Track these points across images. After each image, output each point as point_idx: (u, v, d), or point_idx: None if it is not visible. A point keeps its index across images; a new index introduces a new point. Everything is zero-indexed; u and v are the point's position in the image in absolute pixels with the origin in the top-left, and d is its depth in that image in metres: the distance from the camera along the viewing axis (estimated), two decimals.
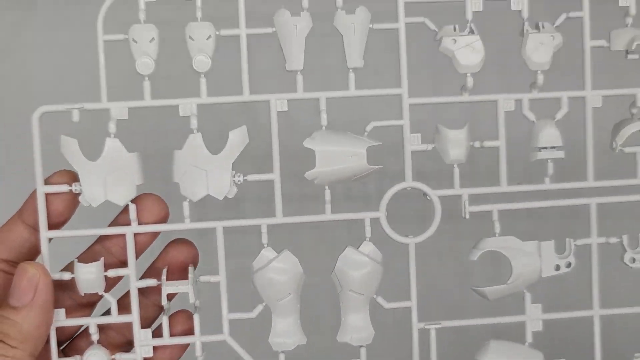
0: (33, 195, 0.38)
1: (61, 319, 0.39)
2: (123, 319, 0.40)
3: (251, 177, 0.40)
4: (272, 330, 0.41)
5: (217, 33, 0.39)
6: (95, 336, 0.40)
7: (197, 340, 0.40)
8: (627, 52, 0.41)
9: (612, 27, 0.41)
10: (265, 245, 0.41)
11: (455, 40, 0.40)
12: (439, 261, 0.49)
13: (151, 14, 0.39)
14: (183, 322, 0.41)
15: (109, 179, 0.38)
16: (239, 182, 0.40)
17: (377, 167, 0.40)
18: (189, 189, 0.39)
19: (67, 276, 0.39)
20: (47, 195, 0.38)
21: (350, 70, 0.40)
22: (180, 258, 0.41)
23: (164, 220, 0.40)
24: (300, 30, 0.39)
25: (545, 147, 0.41)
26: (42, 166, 0.38)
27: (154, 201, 0.40)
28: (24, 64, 0.63)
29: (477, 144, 0.41)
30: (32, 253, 0.39)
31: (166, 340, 0.40)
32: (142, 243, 0.40)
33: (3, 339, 0.36)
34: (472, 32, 0.40)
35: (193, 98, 0.40)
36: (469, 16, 0.40)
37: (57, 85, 0.60)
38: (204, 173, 0.39)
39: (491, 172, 0.42)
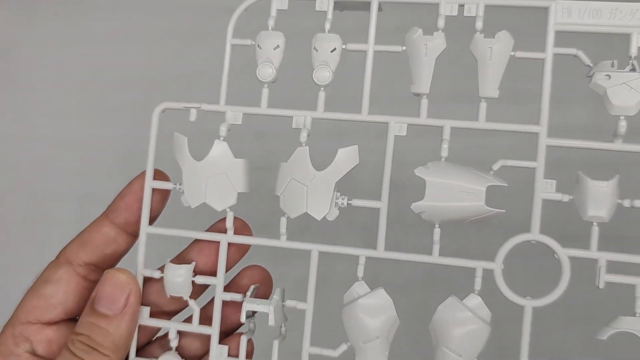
0: (122, 195, 0.38)
1: (145, 317, 0.38)
2: (203, 329, 0.38)
3: (356, 202, 0.37)
4: None
5: (344, 47, 0.37)
6: (174, 342, 0.38)
7: None
8: None
9: None
10: (360, 279, 0.37)
11: (609, 77, 0.34)
12: (562, 327, 0.41)
13: (283, 23, 0.38)
14: (237, 347, 0.38)
15: (210, 181, 0.37)
16: (342, 206, 0.37)
17: (498, 210, 0.35)
18: (288, 204, 0.37)
19: (157, 274, 0.38)
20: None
21: (482, 99, 0.36)
22: (254, 281, 0.38)
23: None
24: (430, 50, 0.36)
25: None
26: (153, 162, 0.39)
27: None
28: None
29: (626, 203, 0.35)
30: (115, 257, 0.39)
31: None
32: (230, 259, 0.38)
33: (97, 348, 0.36)
34: (634, 69, 0.34)
35: (308, 111, 0.38)
36: (633, 51, 0.34)
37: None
38: (304, 188, 0.36)
39: None
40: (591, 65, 0.35)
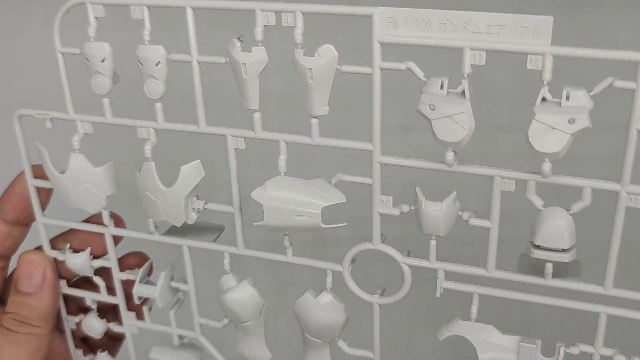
0: (6, 196, 0.41)
1: (65, 288, 0.44)
2: (111, 299, 0.43)
3: (211, 206, 0.38)
4: (238, 341, 0.41)
5: (168, 57, 0.34)
6: (94, 305, 0.44)
7: (174, 332, 0.43)
8: None
9: None
10: (228, 272, 0.39)
11: (434, 107, 0.30)
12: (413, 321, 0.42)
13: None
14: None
15: (76, 191, 0.39)
16: (200, 209, 0.38)
17: (335, 226, 0.35)
18: (149, 211, 0.38)
19: (61, 257, 0.42)
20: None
21: (312, 117, 0.33)
22: (134, 265, 0.42)
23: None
24: (250, 68, 0.33)
25: (546, 249, 0.32)
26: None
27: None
28: None
29: (465, 216, 0.33)
30: (15, 245, 0.42)
31: (148, 325, 0.43)
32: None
33: (26, 321, 0.41)
34: (463, 94, 0.30)
35: (150, 122, 0.37)
36: (466, 70, 0.30)
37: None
38: (158, 202, 0.37)
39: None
40: (425, 80, 0.31)
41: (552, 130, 0.29)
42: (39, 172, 0.40)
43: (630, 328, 0.36)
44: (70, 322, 0.45)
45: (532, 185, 0.32)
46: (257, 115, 0.35)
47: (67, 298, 0.45)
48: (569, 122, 0.29)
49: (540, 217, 0.32)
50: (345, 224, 0.35)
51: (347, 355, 0.39)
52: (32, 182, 0.40)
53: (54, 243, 0.43)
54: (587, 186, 0.31)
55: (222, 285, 0.40)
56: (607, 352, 0.34)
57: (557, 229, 0.31)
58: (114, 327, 0.44)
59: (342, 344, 0.39)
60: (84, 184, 0.38)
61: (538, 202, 0.32)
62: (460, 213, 0.34)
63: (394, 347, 0.41)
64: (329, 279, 0.37)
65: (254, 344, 0.41)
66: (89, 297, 0.44)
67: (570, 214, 0.31)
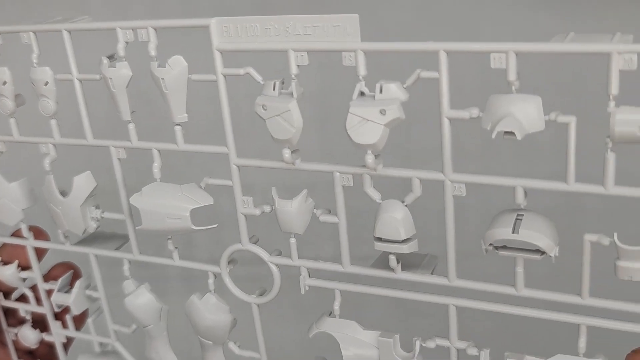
0: None
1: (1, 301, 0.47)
2: (39, 309, 0.46)
3: (107, 215, 0.41)
4: (146, 346, 0.43)
5: (55, 77, 0.38)
6: (28, 316, 0.47)
7: (94, 339, 0.45)
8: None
9: None
10: (128, 277, 0.42)
11: (266, 108, 0.32)
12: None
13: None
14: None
15: None
16: (99, 218, 0.41)
17: (205, 228, 0.37)
18: (56, 221, 0.41)
19: None
20: None
21: (175, 125, 0.36)
22: (60, 275, 0.45)
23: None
24: (116, 82, 0.36)
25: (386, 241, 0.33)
26: None
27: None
28: None
29: (318, 212, 0.35)
30: None
31: (72, 333, 0.46)
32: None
33: None
34: (292, 94, 0.32)
35: (49, 138, 0.40)
36: (293, 70, 0.32)
37: None
38: (59, 212, 0.40)
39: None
40: (262, 82, 0.33)
41: (366, 122, 0.31)
42: None
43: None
44: (10, 333, 0.48)
45: (367, 179, 0.33)
46: (131, 126, 0.38)
47: (7, 311, 0.48)
48: (380, 113, 0.30)
49: (378, 210, 0.33)
50: (216, 225, 0.37)
51: (238, 357, 0.41)
52: None
53: None
54: (415, 177, 0.32)
55: (123, 290, 0.42)
56: (462, 345, 0.34)
57: (392, 220, 0.32)
58: (46, 337, 0.47)
59: (232, 345, 0.40)
60: (1, 199, 0.42)
61: (375, 196, 0.33)
62: (315, 210, 0.35)
63: (284, 346, 0.42)
64: (210, 281, 0.39)
65: (159, 348, 0.43)
66: (22, 308, 0.47)
67: (405, 206, 0.32)
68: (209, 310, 0.39)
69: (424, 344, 0.35)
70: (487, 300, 0.33)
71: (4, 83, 0.39)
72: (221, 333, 0.40)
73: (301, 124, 0.32)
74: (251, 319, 0.39)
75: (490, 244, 0.31)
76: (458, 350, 0.35)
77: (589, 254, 0.30)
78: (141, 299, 0.41)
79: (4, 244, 0.46)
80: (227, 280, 0.39)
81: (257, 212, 0.36)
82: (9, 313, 0.48)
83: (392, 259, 0.34)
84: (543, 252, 0.30)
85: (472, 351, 0.34)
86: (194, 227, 0.37)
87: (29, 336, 0.47)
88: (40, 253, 0.45)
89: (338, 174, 0.33)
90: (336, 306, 0.36)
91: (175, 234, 0.38)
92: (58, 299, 0.44)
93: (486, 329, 0.41)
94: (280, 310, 0.41)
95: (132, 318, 0.42)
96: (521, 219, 0.30)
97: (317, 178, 0.35)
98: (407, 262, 0.35)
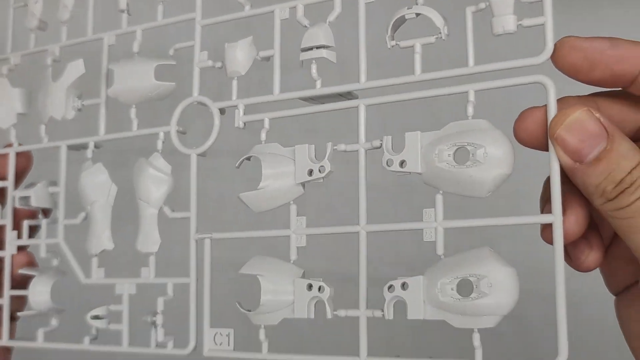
0: None
1: None
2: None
3: (87, 102, 0.47)
4: (89, 232, 0.46)
5: None
6: None
7: (42, 242, 0.47)
8: None
9: None
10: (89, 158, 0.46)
11: None
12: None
13: None
14: None
15: None
16: (79, 108, 0.47)
17: (166, 84, 0.43)
18: (42, 111, 0.48)
19: None
20: None
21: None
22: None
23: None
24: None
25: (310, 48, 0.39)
26: None
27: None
28: None
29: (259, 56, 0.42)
30: None
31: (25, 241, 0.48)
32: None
33: None
34: None
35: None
36: None
37: None
38: (48, 98, 0.47)
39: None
40: None
41: None
42: None
43: None
44: None
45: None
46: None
47: None
48: None
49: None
50: (173, 83, 0.43)
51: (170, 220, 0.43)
52: None
53: None
54: None
55: (81, 170, 0.46)
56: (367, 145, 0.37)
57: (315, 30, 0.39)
58: None
59: (166, 209, 0.43)
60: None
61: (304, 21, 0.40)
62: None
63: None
64: (159, 142, 0.44)
65: (99, 230, 0.45)
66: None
67: None
68: (152, 171, 0.43)
69: (335, 147, 0.38)
70: None
71: None
72: (159, 195, 0.43)
73: None
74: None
75: None
76: None
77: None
78: (97, 176, 0.45)
79: None
80: (175, 138, 0.43)
81: (211, 64, 0.43)
82: None
83: None
84: None
85: None
86: (157, 82, 0.43)
87: None
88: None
89: None
90: (263, 135, 0.40)
91: (144, 96, 0.44)
92: (20, 193, 0.48)
93: None
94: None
95: (82, 198, 0.45)
96: None
97: None
98: None
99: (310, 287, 0.37)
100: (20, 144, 0.49)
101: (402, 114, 0.52)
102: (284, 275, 0.38)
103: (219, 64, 0.43)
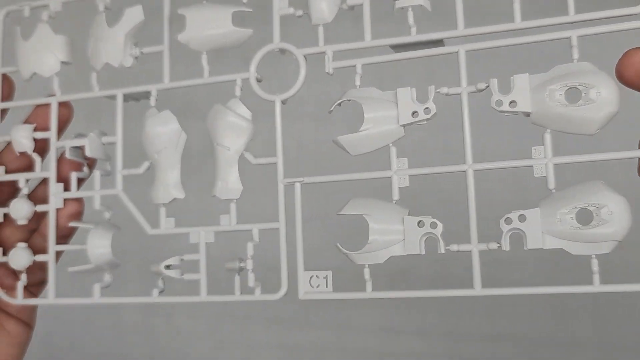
0: None
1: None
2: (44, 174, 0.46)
3: (146, 50, 0.46)
4: (152, 188, 0.44)
5: None
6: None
7: (96, 194, 0.45)
8: None
9: None
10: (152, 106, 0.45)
11: None
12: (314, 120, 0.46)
13: None
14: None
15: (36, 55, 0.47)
16: (137, 55, 0.46)
17: (244, 30, 0.43)
18: (94, 59, 0.46)
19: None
20: None
21: None
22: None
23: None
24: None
25: None
26: None
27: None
28: None
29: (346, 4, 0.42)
30: None
31: (75, 193, 0.46)
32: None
33: None
34: None
35: None
36: None
37: None
38: (102, 44, 0.45)
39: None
40: None
41: None
42: None
43: None
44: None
45: None
46: None
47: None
48: None
49: None
50: (251, 30, 0.43)
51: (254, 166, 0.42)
52: None
53: None
54: None
55: (146, 118, 0.45)
56: (471, 88, 0.39)
57: None
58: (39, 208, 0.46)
59: (249, 155, 0.42)
60: (45, 48, 0.47)
61: None
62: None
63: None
64: (237, 87, 0.43)
65: (170, 180, 0.43)
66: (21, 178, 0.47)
67: None
68: (232, 117, 0.42)
69: (438, 90, 0.39)
70: None
71: None
72: (241, 140, 0.42)
73: None
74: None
75: None
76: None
77: None
78: (167, 123, 0.44)
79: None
80: (254, 84, 0.43)
81: (293, 11, 0.43)
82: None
83: None
84: None
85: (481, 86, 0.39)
86: (235, 28, 0.43)
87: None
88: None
89: None
90: (358, 79, 0.41)
91: (219, 44, 0.43)
92: (72, 143, 0.45)
93: None
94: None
95: (148, 146, 0.44)
96: None
97: None
98: None
99: (421, 223, 0.38)
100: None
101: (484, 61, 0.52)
102: (391, 214, 0.39)
103: (300, 12, 0.43)
